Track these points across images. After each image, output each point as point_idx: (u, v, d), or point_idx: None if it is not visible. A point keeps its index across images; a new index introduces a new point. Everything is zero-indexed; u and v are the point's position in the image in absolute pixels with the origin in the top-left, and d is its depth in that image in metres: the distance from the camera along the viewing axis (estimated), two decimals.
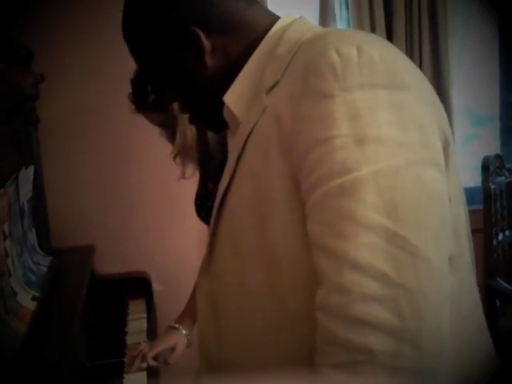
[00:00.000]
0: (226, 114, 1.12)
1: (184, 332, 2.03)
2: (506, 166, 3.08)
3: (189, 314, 2.07)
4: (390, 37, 2.91)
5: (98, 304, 2.30)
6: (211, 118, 1.18)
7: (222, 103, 1.11)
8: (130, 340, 2.10)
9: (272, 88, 1.01)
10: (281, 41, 1.05)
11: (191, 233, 2.90)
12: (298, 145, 0.91)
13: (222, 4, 1.08)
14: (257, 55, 1.08)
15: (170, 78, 1.14)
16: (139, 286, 2.48)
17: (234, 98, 1.09)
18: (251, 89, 1.06)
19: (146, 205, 2.90)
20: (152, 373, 1.88)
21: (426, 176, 0.89)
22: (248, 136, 1.02)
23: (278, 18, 1.11)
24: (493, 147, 3.40)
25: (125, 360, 1.93)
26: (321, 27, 1.11)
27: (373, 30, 2.87)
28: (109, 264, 2.58)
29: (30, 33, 2.46)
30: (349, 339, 0.82)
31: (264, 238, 0.98)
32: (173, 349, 2.01)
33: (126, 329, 2.18)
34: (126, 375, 1.84)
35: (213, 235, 1.09)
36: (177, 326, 2.04)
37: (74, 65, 2.74)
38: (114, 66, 2.74)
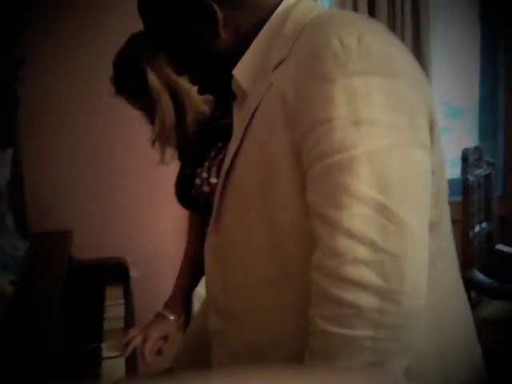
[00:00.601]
0: (234, 86, 1.21)
1: (173, 318, 2.01)
2: (485, 158, 3.10)
3: (178, 298, 2.06)
4: None
5: (75, 289, 2.28)
6: (220, 89, 1.28)
7: (231, 76, 1.19)
8: (107, 326, 2.08)
9: (278, 66, 1.10)
10: (287, 20, 1.13)
11: (169, 219, 2.89)
12: (300, 122, 1.02)
13: None
14: (264, 32, 1.16)
15: (184, 50, 1.21)
16: (116, 271, 2.46)
17: (242, 72, 1.18)
18: (258, 64, 1.16)
19: (124, 190, 2.90)
20: (130, 358, 1.87)
21: (413, 156, 1.00)
22: (255, 110, 1.11)
23: None
24: (467, 141, 3.42)
25: (102, 346, 1.92)
26: (323, 7, 1.20)
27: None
28: (86, 249, 2.55)
29: (10, 14, 2.42)
30: (340, 296, 0.95)
31: (267, 201, 1.09)
32: (165, 337, 1.99)
33: (104, 315, 2.16)
34: (104, 361, 1.82)
35: (220, 198, 1.19)
36: (166, 312, 2.02)
37: (56, 46, 2.70)
38: (96, 48, 2.73)
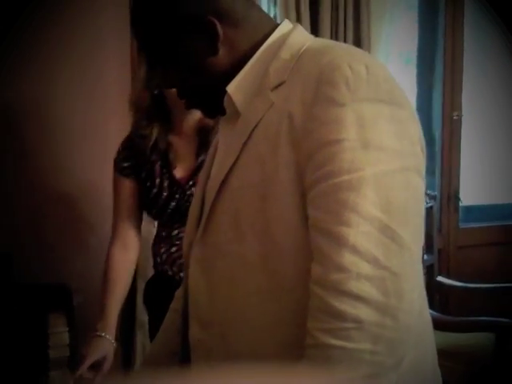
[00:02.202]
0: (226, 102, 1.23)
1: (110, 338, 2.00)
2: (426, 191, 3.15)
3: (110, 317, 2.04)
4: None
5: (17, 315, 2.19)
6: (209, 105, 1.29)
7: (222, 92, 1.21)
8: (52, 354, 2.00)
9: (277, 86, 1.14)
10: (284, 45, 1.18)
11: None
12: (308, 141, 1.06)
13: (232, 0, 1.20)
14: (260, 54, 1.20)
15: (180, 63, 1.23)
16: (59, 297, 2.37)
17: (236, 90, 1.21)
18: (254, 84, 1.19)
19: (66, 212, 2.81)
20: None
21: (414, 181, 1.07)
22: (255, 126, 1.14)
23: (276, 23, 1.25)
24: None
25: (50, 375, 1.84)
26: (315, 37, 1.24)
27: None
28: (27, 274, 2.47)
29: None
30: (342, 309, 0.99)
31: (263, 215, 1.11)
32: (104, 358, 1.96)
33: (48, 343, 2.08)
34: None
35: (211, 210, 1.20)
36: (103, 334, 1.99)
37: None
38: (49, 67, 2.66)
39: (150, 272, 2.47)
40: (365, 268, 0.99)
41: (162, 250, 2.19)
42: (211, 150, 1.39)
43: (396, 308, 1.00)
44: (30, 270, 2.58)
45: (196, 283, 1.26)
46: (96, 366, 1.94)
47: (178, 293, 1.50)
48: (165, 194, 2.12)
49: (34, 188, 2.75)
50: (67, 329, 2.20)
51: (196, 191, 1.38)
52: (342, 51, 1.13)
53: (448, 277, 3.27)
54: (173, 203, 2.11)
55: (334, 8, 3.04)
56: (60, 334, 2.16)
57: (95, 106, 2.79)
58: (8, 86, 2.66)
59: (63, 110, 2.75)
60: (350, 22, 3.06)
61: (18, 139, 2.73)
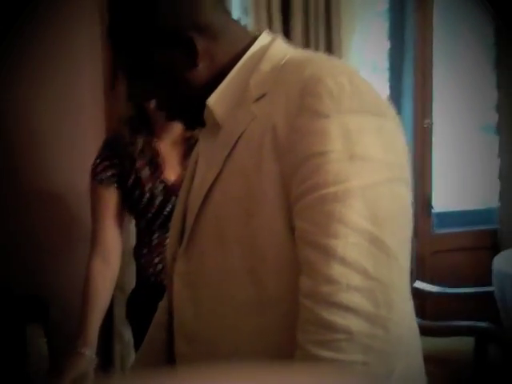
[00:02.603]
0: (206, 115, 1.23)
1: (89, 354, 1.95)
2: None
3: (90, 332, 2.00)
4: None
5: None
6: (188, 117, 1.29)
7: (202, 105, 1.21)
8: (32, 365, 1.96)
9: (259, 99, 1.14)
10: (264, 57, 1.18)
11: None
12: (292, 154, 1.05)
13: (211, 13, 1.19)
14: (240, 67, 1.20)
15: (158, 76, 1.22)
16: (36, 309, 2.34)
17: (216, 102, 1.20)
18: (234, 97, 1.19)
19: (41, 225, 2.77)
20: None
21: (400, 192, 1.06)
22: (238, 139, 1.13)
23: (255, 35, 1.24)
24: None
25: None
26: (294, 48, 1.23)
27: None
28: (4, 286, 2.44)
29: None
30: (332, 321, 0.98)
31: (248, 229, 1.10)
32: (83, 375, 1.91)
33: (27, 353, 2.04)
34: None
35: (195, 224, 1.19)
36: (82, 350, 1.95)
37: None
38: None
39: (127, 282, 2.45)
40: (354, 279, 0.99)
41: (156, 260, 2.14)
42: (191, 162, 1.38)
43: (386, 319, 1.00)
44: (6, 282, 2.54)
45: (180, 297, 1.25)
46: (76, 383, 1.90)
47: (162, 304, 1.47)
48: (160, 198, 2.09)
49: (8, 199, 2.73)
50: (45, 340, 2.16)
51: (178, 204, 1.37)
52: (325, 63, 1.14)
53: (423, 282, 3.28)
54: (167, 208, 2.08)
55: (305, 17, 3.05)
56: (38, 345, 2.12)
57: (78, 111, 2.80)
58: None
59: (51, 116, 2.76)
60: (322, 30, 3.07)
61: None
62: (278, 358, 1.08)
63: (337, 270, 0.99)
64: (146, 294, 2.13)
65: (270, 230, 1.09)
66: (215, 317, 1.18)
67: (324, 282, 1.00)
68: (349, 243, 0.99)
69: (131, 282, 2.31)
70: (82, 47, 2.79)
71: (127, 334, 2.75)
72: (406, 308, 1.06)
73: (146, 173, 2.11)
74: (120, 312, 2.70)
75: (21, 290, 2.52)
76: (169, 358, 1.34)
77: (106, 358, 2.76)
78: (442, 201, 3.67)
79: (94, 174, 2.15)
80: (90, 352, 1.96)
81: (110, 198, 2.13)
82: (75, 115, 2.79)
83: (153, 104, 1.93)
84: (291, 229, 1.07)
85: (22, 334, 2.21)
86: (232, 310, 1.15)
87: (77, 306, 2.67)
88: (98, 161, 2.16)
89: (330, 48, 3.10)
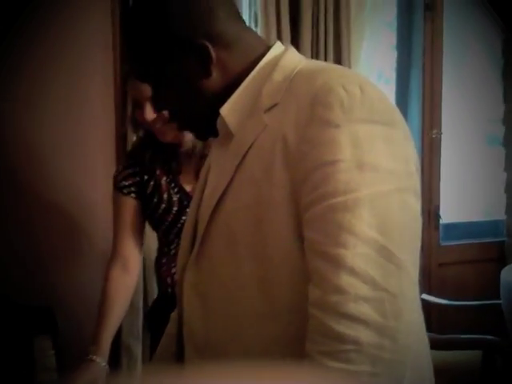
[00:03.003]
0: (219, 124, 1.23)
1: (101, 362, 1.94)
2: None
3: (104, 341, 1.99)
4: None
5: (1, 339, 2.14)
6: (200, 127, 1.30)
7: (215, 114, 1.21)
8: (40, 377, 1.95)
9: (270, 108, 1.14)
10: (276, 67, 1.18)
11: (97, 270, 2.79)
12: (302, 163, 1.06)
13: (224, 22, 1.20)
14: (253, 76, 1.20)
15: (172, 85, 1.23)
16: (43, 321, 2.33)
17: (229, 112, 1.21)
18: (247, 106, 1.19)
19: (48, 237, 2.76)
20: None
21: (409, 201, 1.06)
22: (249, 148, 1.14)
23: (268, 44, 1.25)
24: None
25: None
26: (306, 59, 1.24)
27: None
28: (13, 298, 2.43)
29: None
30: (341, 331, 0.99)
31: (258, 237, 1.11)
32: (93, 381, 1.90)
33: (35, 365, 2.03)
34: None
35: (205, 233, 1.20)
36: (95, 358, 1.94)
37: None
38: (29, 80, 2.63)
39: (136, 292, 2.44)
40: (363, 289, 0.99)
41: (173, 271, 2.11)
42: (203, 172, 1.38)
43: (394, 329, 1.00)
44: (14, 294, 2.53)
45: (190, 307, 1.26)
46: None
47: (173, 315, 1.47)
48: (175, 208, 2.10)
49: (17, 212, 2.71)
50: (53, 352, 2.15)
51: (189, 214, 1.37)
52: (336, 73, 1.14)
53: (429, 294, 3.27)
54: (183, 217, 2.06)
55: (315, 26, 3.06)
56: (47, 357, 2.11)
57: (83, 119, 2.78)
58: None
59: (54, 124, 2.74)
60: (331, 41, 3.08)
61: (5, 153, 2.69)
62: None
63: (345, 280, 0.99)
64: (165, 304, 2.10)
65: (280, 238, 1.10)
66: (225, 326, 1.19)
67: (332, 291, 1.00)
68: (357, 253, 1.00)
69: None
70: (93, 48, 2.77)
71: (136, 348, 2.74)
72: (414, 318, 1.06)
73: (164, 181, 2.12)
74: (128, 325, 2.69)
75: (28, 302, 2.51)
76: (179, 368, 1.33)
77: (113, 370, 2.76)
78: (449, 213, 3.66)
79: (116, 181, 2.17)
80: (101, 359, 1.95)
81: (130, 206, 2.13)
82: (85, 125, 2.78)
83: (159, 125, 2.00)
84: (300, 237, 1.08)
85: (30, 345, 2.19)
86: (242, 318, 1.16)
87: (85, 317, 2.68)
88: (120, 168, 2.19)
89: (339, 57, 3.10)
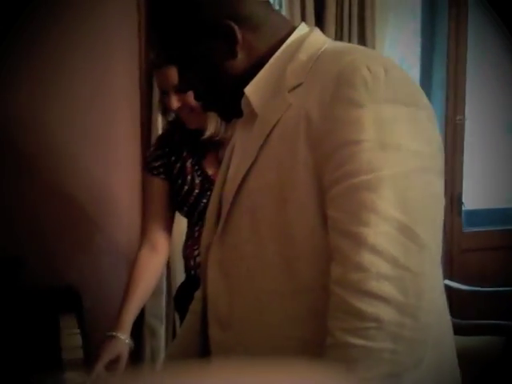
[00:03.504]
0: (243, 104, 1.25)
1: (124, 338, 2.00)
2: None
3: (128, 318, 2.04)
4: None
5: (27, 318, 2.18)
6: (225, 107, 1.31)
7: (239, 94, 1.23)
8: (66, 355, 1.99)
9: (294, 88, 1.15)
10: (301, 47, 1.20)
11: (120, 250, 2.83)
12: (326, 142, 1.07)
13: (251, 4, 1.22)
14: (278, 56, 1.22)
15: (198, 66, 1.24)
16: (69, 300, 2.37)
17: (254, 92, 1.22)
18: (271, 85, 1.20)
19: (76, 219, 2.80)
20: None
21: (432, 181, 1.07)
22: (273, 128, 1.15)
23: (294, 25, 1.26)
24: None
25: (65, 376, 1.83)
26: (332, 40, 1.25)
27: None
28: (36, 276, 2.47)
29: None
30: (362, 309, 1.00)
31: (282, 216, 1.12)
32: (118, 357, 1.97)
33: (60, 344, 2.06)
34: None
35: (230, 212, 1.22)
36: (117, 334, 2.00)
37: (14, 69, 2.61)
38: (53, 70, 2.66)
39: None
40: (384, 268, 1.00)
41: (196, 253, 2.16)
42: (227, 153, 1.40)
43: (416, 307, 1.01)
44: (39, 273, 2.57)
45: (215, 285, 1.28)
46: (111, 366, 1.94)
47: (197, 294, 1.50)
48: (196, 191, 2.13)
49: (41, 191, 2.74)
50: (79, 331, 2.19)
51: (213, 193, 1.39)
52: (361, 53, 1.15)
53: (451, 280, 3.27)
54: (204, 200, 2.10)
55: (339, 13, 3.06)
56: (72, 335, 2.15)
57: (101, 108, 2.79)
58: (14, 90, 2.65)
59: (69, 112, 2.75)
60: (355, 25, 3.08)
61: (22, 141, 2.72)
62: (309, 344, 1.12)
63: (367, 258, 1.00)
64: (190, 286, 2.13)
65: (303, 217, 1.11)
66: (248, 303, 1.20)
67: (354, 269, 1.01)
68: (379, 232, 1.01)
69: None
70: (118, 35, 2.78)
71: (159, 329, 2.78)
72: (436, 297, 1.07)
73: (188, 164, 2.15)
74: (150, 306, 2.73)
75: (53, 281, 2.55)
76: (203, 346, 1.36)
77: (136, 351, 2.79)
78: (471, 199, 3.65)
79: (146, 162, 2.22)
80: (124, 336, 2.00)
81: (159, 187, 2.17)
82: (109, 118, 2.80)
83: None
84: (323, 216, 1.09)
85: (56, 324, 2.22)
86: (264, 295, 1.18)
87: (109, 296, 2.72)
88: (151, 149, 2.23)
89: (363, 42, 3.10)
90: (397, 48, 3.36)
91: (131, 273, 2.14)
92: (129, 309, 2.06)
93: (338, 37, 3.06)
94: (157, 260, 2.17)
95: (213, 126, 2.06)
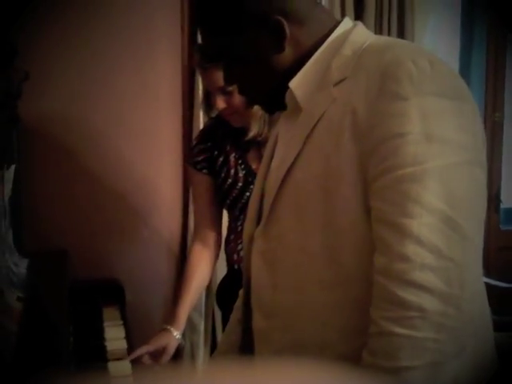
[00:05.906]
0: (288, 98, 1.26)
1: (175, 333, 2.07)
2: None
3: (181, 314, 2.10)
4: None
5: (72, 309, 2.24)
6: (269, 101, 1.33)
7: (284, 88, 1.25)
8: (110, 346, 2.05)
9: (339, 82, 1.17)
10: (346, 42, 1.21)
11: (162, 243, 2.87)
12: (371, 135, 1.09)
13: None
14: (322, 51, 1.23)
15: (245, 60, 1.27)
16: (112, 292, 2.43)
17: (298, 86, 1.24)
18: (315, 79, 1.22)
19: (119, 212, 2.86)
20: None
21: (477, 173, 1.10)
22: (318, 121, 1.17)
23: (338, 20, 1.28)
24: None
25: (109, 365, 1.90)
26: (375, 34, 1.28)
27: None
28: (80, 270, 2.54)
29: (14, 30, 2.39)
30: (406, 298, 1.02)
31: (327, 207, 1.14)
32: (164, 349, 2.04)
33: (104, 335, 2.13)
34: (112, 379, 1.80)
35: (274, 203, 1.24)
36: (168, 327, 2.07)
37: (59, 63, 2.68)
38: (99, 67, 2.71)
39: None
40: (428, 258, 1.02)
41: (239, 247, 2.18)
42: (269, 144, 1.42)
43: (459, 298, 1.03)
44: (84, 266, 2.64)
45: (259, 275, 1.30)
46: (156, 357, 2.02)
47: (241, 292, 1.51)
48: (240, 184, 2.15)
49: (87, 186, 2.80)
50: (122, 322, 2.25)
51: (255, 185, 1.41)
52: (406, 48, 1.17)
53: (488, 278, 3.26)
54: (247, 193, 2.12)
55: (378, 14, 3.07)
56: (115, 326, 2.21)
57: (145, 106, 2.83)
58: (62, 88, 2.72)
59: (115, 110, 2.80)
60: (394, 19, 3.08)
61: (70, 139, 2.78)
62: (352, 333, 1.16)
63: (411, 249, 1.03)
64: (232, 281, 2.16)
65: (347, 208, 1.13)
66: (292, 293, 1.23)
67: (398, 259, 1.04)
68: (423, 223, 1.03)
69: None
70: (161, 31, 2.81)
71: (199, 323, 2.83)
72: (478, 288, 1.10)
73: (232, 157, 2.17)
74: None
75: (97, 274, 2.62)
76: (246, 336, 1.40)
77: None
78: (509, 197, 3.64)
79: (189, 157, 2.25)
80: (174, 330, 2.07)
81: (203, 182, 2.20)
82: (152, 113, 2.84)
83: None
84: (367, 208, 1.11)
85: (99, 316, 2.29)
86: (308, 285, 1.20)
87: (150, 288, 2.78)
88: (194, 143, 2.25)
89: (402, 37, 3.09)
90: (436, 44, 3.34)
91: (185, 269, 2.20)
92: (183, 305, 2.12)
93: (377, 31, 3.07)
94: (208, 255, 2.21)
95: (256, 126, 2.08)
